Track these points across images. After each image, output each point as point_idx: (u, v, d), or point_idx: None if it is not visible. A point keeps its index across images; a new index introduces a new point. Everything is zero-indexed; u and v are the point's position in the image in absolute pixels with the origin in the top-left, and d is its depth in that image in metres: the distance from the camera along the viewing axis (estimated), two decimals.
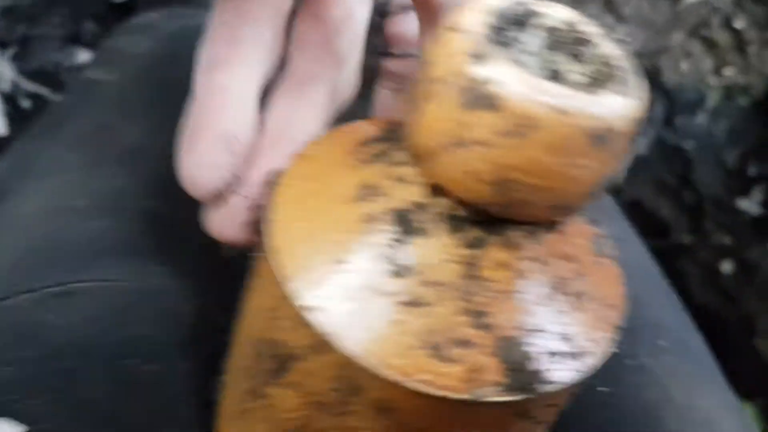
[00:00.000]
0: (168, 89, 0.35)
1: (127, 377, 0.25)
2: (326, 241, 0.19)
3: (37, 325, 0.26)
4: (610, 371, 0.29)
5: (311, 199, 0.20)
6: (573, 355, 0.19)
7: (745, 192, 1.04)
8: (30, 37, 0.71)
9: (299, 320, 0.18)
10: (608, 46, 0.18)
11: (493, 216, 0.18)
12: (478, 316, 0.18)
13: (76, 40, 0.72)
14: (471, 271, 0.18)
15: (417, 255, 0.18)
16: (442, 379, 0.17)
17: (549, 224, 0.19)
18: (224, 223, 0.23)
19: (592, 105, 0.16)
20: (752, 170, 1.03)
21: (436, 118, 0.17)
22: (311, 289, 0.18)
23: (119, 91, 0.35)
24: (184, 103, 0.35)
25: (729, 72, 0.96)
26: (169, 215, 0.30)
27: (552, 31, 0.18)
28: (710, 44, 0.96)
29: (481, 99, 0.16)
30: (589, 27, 0.18)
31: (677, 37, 0.96)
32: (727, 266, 1.13)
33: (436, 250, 0.18)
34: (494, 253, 0.18)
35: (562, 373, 0.18)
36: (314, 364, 0.19)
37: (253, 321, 0.22)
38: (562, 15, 0.18)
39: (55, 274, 0.27)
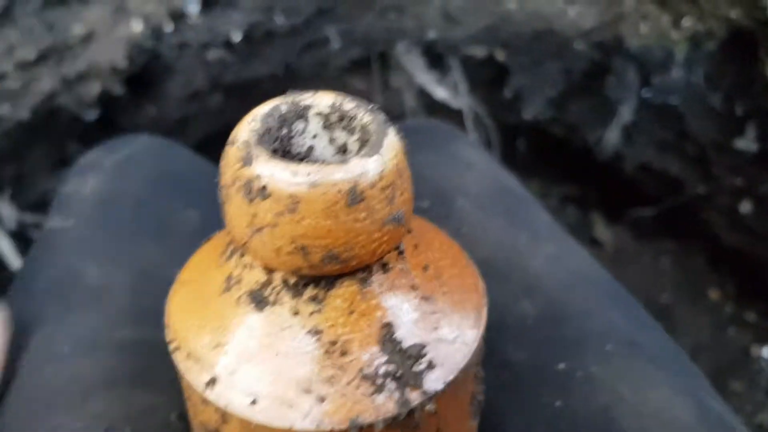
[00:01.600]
0: (114, 225, 0.39)
1: None
2: (208, 329, 0.23)
3: None
4: (560, 386, 0.30)
5: (195, 298, 0.25)
6: (434, 366, 0.22)
7: (739, 132, 1.03)
8: (21, 175, 0.75)
9: (203, 400, 0.23)
10: (366, 116, 0.22)
11: (322, 275, 0.21)
12: (337, 356, 0.21)
13: (65, 163, 0.76)
14: (317, 321, 0.22)
15: (272, 322, 0.22)
16: (324, 418, 0.21)
17: (380, 265, 0.23)
18: None
19: (337, 173, 0.20)
20: (739, 110, 1.02)
21: (235, 214, 0.21)
22: (203, 373, 0.22)
23: (75, 235, 0.38)
24: (128, 239, 0.38)
25: (687, 23, 0.96)
26: (140, 341, 0.33)
27: (323, 115, 0.23)
28: (662, 1, 0.97)
29: (257, 192, 0.20)
30: (349, 104, 0.22)
31: (629, 3, 0.97)
32: (745, 206, 1.12)
33: (285, 315, 0.22)
34: (335, 303, 0.22)
35: (429, 384, 0.22)
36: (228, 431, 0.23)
37: (189, 411, 0.26)
38: (327, 101, 0.23)
39: (51, 417, 0.30)
